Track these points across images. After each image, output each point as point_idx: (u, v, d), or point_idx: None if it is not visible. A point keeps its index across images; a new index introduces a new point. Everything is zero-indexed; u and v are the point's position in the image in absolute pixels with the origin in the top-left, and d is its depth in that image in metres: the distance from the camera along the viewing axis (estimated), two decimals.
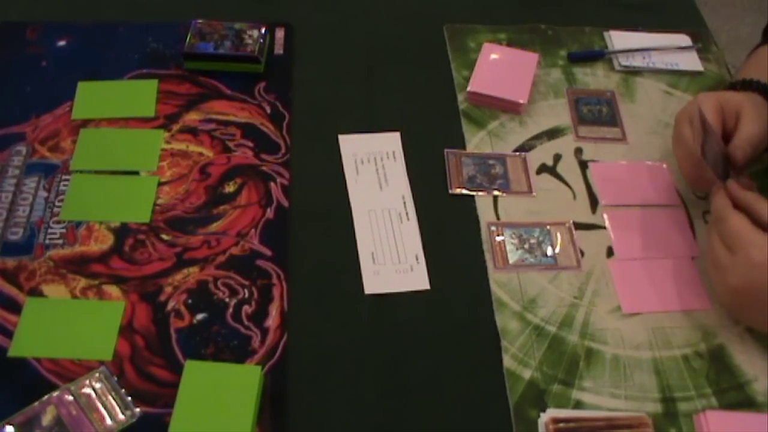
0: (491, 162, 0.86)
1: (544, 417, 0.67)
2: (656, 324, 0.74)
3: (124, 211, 0.80)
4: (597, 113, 0.92)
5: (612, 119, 0.91)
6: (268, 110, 0.90)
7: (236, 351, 0.70)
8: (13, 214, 0.79)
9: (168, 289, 0.74)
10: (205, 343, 0.71)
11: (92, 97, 0.89)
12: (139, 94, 0.90)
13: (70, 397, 0.66)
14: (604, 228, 0.81)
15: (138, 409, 0.66)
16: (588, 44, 1.00)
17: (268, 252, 0.77)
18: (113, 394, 0.67)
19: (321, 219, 0.81)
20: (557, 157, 0.87)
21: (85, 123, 0.87)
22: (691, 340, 0.73)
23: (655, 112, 0.93)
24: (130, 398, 0.67)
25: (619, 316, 0.74)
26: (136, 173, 0.83)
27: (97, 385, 0.67)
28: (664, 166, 0.87)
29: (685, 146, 0.79)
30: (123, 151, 0.85)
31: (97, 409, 0.66)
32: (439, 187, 0.84)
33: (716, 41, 1.02)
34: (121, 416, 0.66)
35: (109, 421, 0.65)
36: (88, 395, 0.66)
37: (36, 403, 0.65)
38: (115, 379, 0.68)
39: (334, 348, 0.72)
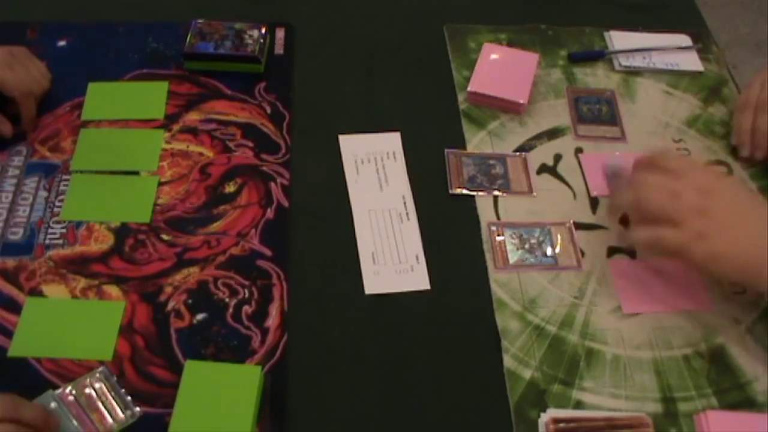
0: (491, 162, 0.86)
1: (545, 417, 0.67)
2: (656, 324, 0.74)
3: (124, 211, 0.80)
4: (597, 112, 0.92)
5: (612, 118, 0.91)
6: (268, 110, 0.90)
7: (236, 351, 0.70)
8: (14, 214, 0.79)
9: (168, 289, 0.74)
10: (205, 343, 0.71)
11: (102, 99, 0.89)
12: (149, 96, 0.90)
13: (71, 397, 0.66)
14: (605, 228, 0.81)
15: (138, 409, 0.66)
16: (588, 44, 1.00)
17: (268, 252, 0.77)
18: (113, 394, 0.67)
19: (321, 219, 0.81)
20: (557, 157, 0.87)
21: (92, 123, 0.87)
22: (691, 340, 0.73)
23: (655, 112, 0.93)
24: (130, 398, 0.67)
25: (620, 316, 0.74)
26: (136, 173, 0.83)
27: (97, 385, 0.67)
28: None
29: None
30: (123, 151, 0.85)
31: (97, 409, 0.66)
32: (439, 187, 0.84)
33: (716, 41, 1.02)
34: (121, 416, 0.66)
35: (110, 421, 0.65)
36: (89, 395, 0.66)
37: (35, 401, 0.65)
38: (115, 379, 0.68)
39: (334, 348, 0.71)
